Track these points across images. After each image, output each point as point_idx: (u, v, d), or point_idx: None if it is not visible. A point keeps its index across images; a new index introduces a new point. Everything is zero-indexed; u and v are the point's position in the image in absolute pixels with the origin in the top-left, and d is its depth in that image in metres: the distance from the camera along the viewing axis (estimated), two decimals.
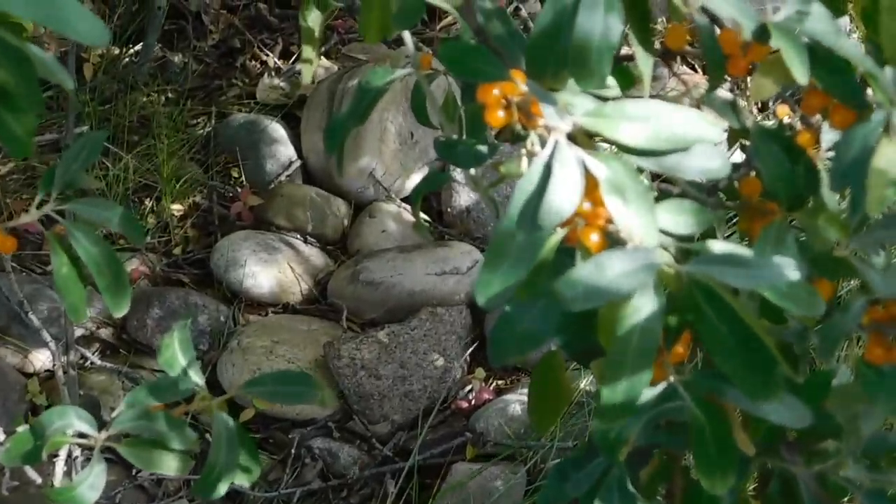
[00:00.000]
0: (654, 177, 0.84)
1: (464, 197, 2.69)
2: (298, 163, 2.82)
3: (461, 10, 0.78)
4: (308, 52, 0.89)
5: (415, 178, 2.74)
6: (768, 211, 0.81)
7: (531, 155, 0.73)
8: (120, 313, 0.93)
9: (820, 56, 0.76)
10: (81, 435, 0.94)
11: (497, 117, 0.73)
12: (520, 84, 0.72)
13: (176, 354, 0.94)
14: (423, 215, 2.69)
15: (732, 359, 0.71)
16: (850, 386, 0.83)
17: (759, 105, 2.78)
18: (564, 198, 0.69)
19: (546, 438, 2.19)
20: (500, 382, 2.44)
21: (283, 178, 2.79)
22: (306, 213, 2.67)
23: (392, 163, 2.72)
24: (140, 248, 2.54)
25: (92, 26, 0.60)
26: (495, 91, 0.73)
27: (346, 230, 2.72)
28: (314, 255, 2.65)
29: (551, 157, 0.70)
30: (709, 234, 0.89)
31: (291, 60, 3.06)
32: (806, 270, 0.74)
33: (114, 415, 0.91)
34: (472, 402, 2.37)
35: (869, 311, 0.79)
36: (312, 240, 2.69)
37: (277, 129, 2.84)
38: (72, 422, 0.93)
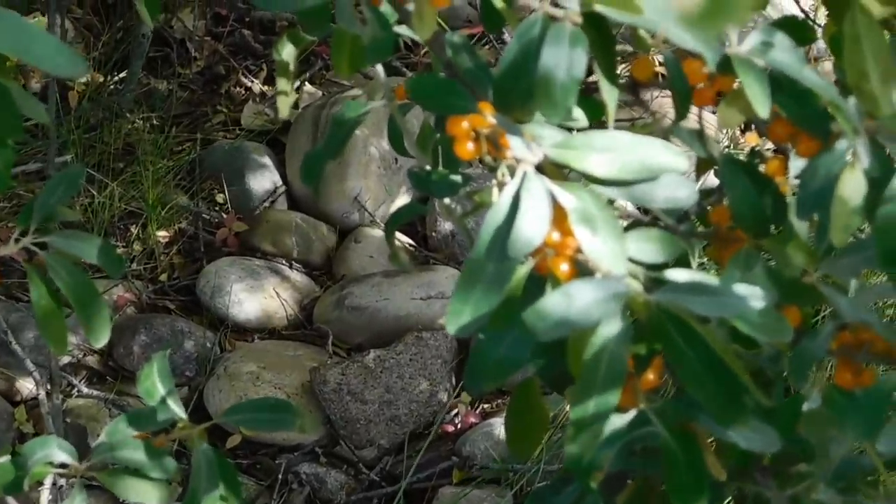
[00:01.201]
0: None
1: (448, 221, 2.70)
2: (283, 188, 2.82)
3: (431, 43, 0.79)
4: (283, 84, 0.90)
5: (399, 203, 2.75)
6: (737, 238, 0.82)
7: (502, 185, 0.74)
8: (99, 344, 0.94)
9: (785, 86, 0.77)
10: (63, 465, 0.95)
11: (466, 150, 0.74)
12: (488, 116, 0.73)
13: (155, 384, 0.94)
14: (407, 239, 2.70)
15: (702, 385, 0.72)
16: (820, 410, 0.84)
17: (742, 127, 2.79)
18: (533, 229, 0.70)
19: (532, 461, 2.20)
20: (486, 406, 2.45)
21: (268, 203, 2.80)
22: (292, 238, 2.68)
23: (377, 188, 2.73)
24: (118, 280, 2.53)
25: (68, 59, 0.61)
26: (464, 124, 0.74)
27: (332, 255, 2.73)
28: (300, 280, 2.65)
29: (519, 188, 0.71)
30: (683, 260, 0.90)
31: (275, 85, 3.07)
32: (775, 297, 0.75)
33: (94, 445, 0.92)
34: (459, 425, 2.38)
35: (838, 337, 0.80)
36: (298, 265, 2.70)
37: (262, 155, 2.85)
38: (53, 452, 0.94)
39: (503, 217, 0.71)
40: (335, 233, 2.75)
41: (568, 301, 0.68)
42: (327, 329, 2.52)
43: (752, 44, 0.78)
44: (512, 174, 0.73)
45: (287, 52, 0.88)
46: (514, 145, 0.72)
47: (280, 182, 2.83)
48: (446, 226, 2.69)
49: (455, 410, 2.40)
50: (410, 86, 0.75)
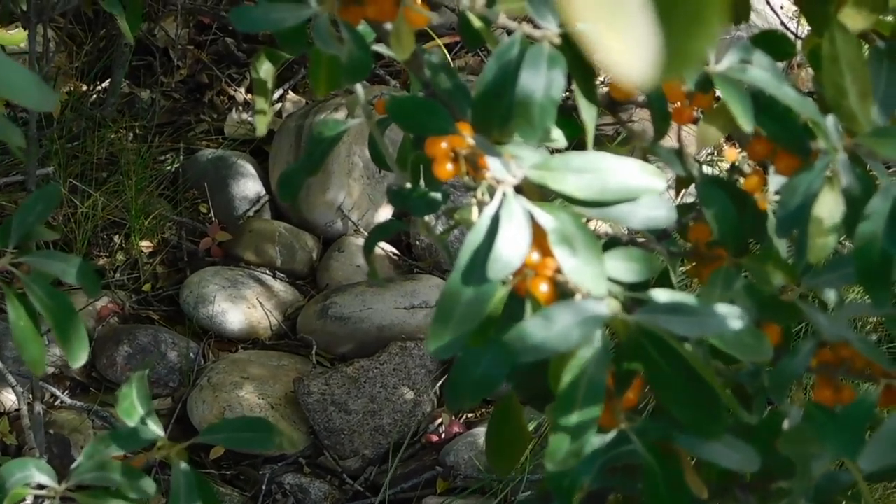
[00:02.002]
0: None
1: (438, 227, 2.70)
2: (267, 198, 2.82)
3: (409, 63, 0.79)
4: (261, 103, 0.90)
5: (383, 212, 2.75)
6: (717, 256, 0.82)
7: (481, 204, 0.74)
8: (77, 364, 0.94)
9: (763, 103, 0.77)
10: (41, 486, 0.95)
11: (445, 170, 0.74)
12: (467, 137, 0.73)
13: (134, 403, 0.94)
14: (391, 248, 2.70)
15: (681, 402, 0.72)
16: (801, 427, 0.84)
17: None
18: (512, 250, 0.70)
19: (516, 471, 2.19)
20: (469, 416, 2.45)
21: (251, 213, 2.79)
22: (275, 248, 2.68)
23: (360, 197, 2.73)
24: (94, 299, 2.52)
25: (42, 94, 0.61)
26: (443, 144, 0.74)
27: (316, 265, 2.72)
28: (283, 290, 2.65)
29: (499, 209, 0.71)
30: (664, 277, 0.90)
31: None
32: (754, 315, 0.75)
33: (73, 466, 0.92)
34: (443, 435, 2.37)
35: (818, 354, 0.80)
36: (282, 275, 2.69)
37: (246, 165, 2.85)
38: (31, 473, 0.93)
39: (482, 238, 0.71)
40: (319, 242, 2.74)
41: (547, 324, 0.68)
42: (311, 339, 2.51)
43: (730, 62, 0.78)
44: (491, 194, 0.73)
45: (265, 69, 0.88)
46: (493, 166, 0.72)
47: (263, 191, 2.83)
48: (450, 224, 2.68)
49: (439, 420, 2.40)
50: (389, 106, 0.75)
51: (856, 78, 0.76)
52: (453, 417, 2.41)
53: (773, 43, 0.98)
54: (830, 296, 0.85)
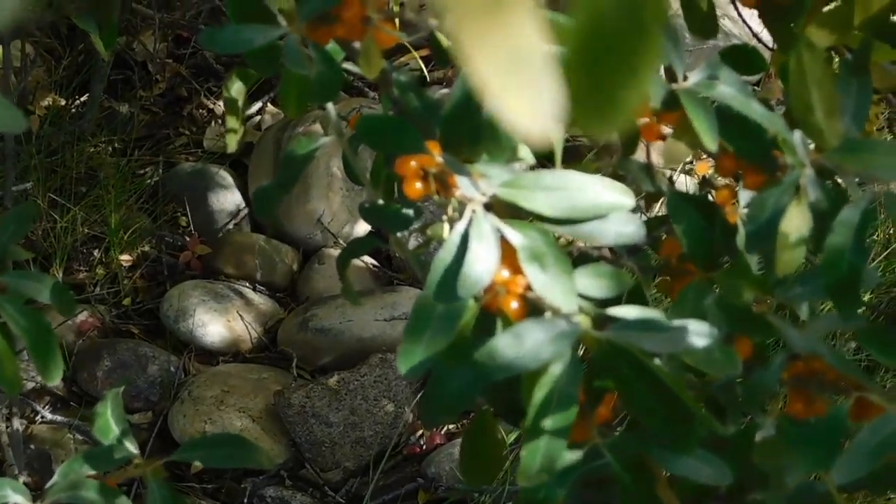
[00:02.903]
0: None
1: (412, 241, 2.70)
2: (246, 210, 2.82)
3: (379, 82, 0.79)
4: (232, 122, 0.90)
5: (362, 225, 2.74)
6: (687, 271, 0.82)
7: (452, 221, 0.74)
8: (52, 382, 0.94)
9: (730, 120, 0.78)
10: None
11: (415, 189, 0.75)
12: (436, 156, 0.74)
13: (109, 422, 0.94)
14: (371, 260, 2.70)
15: (653, 417, 0.73)
16: (775, 439, 0.85)
17: None
18: (481, 269, 0.71)
19: (497, 482, 2.20)
20: (451, 427, 2.45)
21: (231, 226, 2.79)
22: (255, 260, 2.68)
23: (339, 209, 2.73)
24: (70, 318, 2.51)
25: (11, 116, 0.61)
26: (413, 163, 0.74)
27: (296, 277, 2.72)
28: (263, 302, 2.65)
29: (468, 228, 0.71)
30: (638, 292, 0.91)
31: None
32: (724, 330, 0.76)
33: (47, 486, 0.92)
34: (424, 447, 2.37)
35: (790, 367, 0.81)
36: (262, 287, 2.69)
37: (225, 177, 2.84)
38: (6, 493, 0.93)
39: (452, 257, 0.71)
40: (299, 254, 2.74)
41: (517, 342, 0.68)
42: (292, 351, 2.51)
43: (697, 78, 0.78)
44: (462, 211, 0.73)
45: (236, 89, 0.88)
46: (462, 185, 0.72)
47: (243, 204, 2.82)
48: (410, 246, 2.68)
49: (420, 431, 2.40)
50: (359, 125, 0.76)
51: (822, 94, 0.76)
52: (435, 429, 2.41)
53: (743, 57, 0.99)
54: (804, 308, 0.86)
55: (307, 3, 0.77)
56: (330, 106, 0.84)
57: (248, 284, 2.68)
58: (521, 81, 0.28)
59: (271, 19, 0.78)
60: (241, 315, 2.56)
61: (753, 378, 0.80)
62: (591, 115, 0.32)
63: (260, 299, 2.64)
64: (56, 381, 0.95)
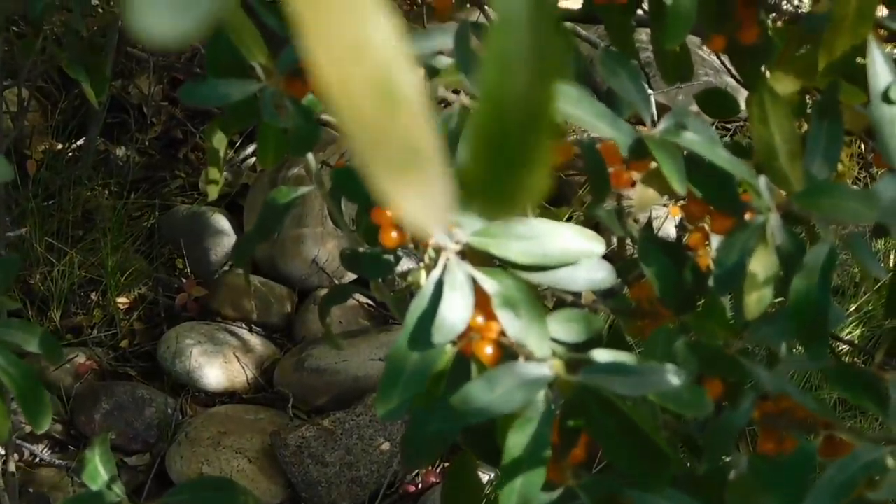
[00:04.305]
0: None
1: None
2: None
3: None
4: (213, 172, 0.92)
5: None
6: (659, 314, 0.84)
7: (429, 268, 0.76)
8: (41, 430, 0.95)
9: (697, 165, 0.80)
10: None
11: (391, 238, 0.76)
12: None
13: (97, 468, 0.95)
14: (365, 299, 2.71)
15: (625, 457, 0.74)
16: (746, 477, 0.86)
17: None
18: (456, 316, 0.73)
19: None
20: (446, 465, 2.45)
21: (227, 267, 2.80)
22: (251, 302, 2.69)
23: (334, 249, 2.75)
24: (59, 366, 2.53)
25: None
26: (388, 213, 0.76)
27: (292, 318, 2.74)
28: (260, 343, 2.66)
29: (442, 276, 0.73)
30: (617, 334, 0.92)
31: (234, 148, 3.09)
32: (694, 372, 0.78)
33: None
34: (420, 485, 2.38)
35: (760, 406, 0.82)
36: (258, 328, 2.70)
37: (221, 219, 2.87)
38: None
39: (426, 304, 0.73)
40: (294, 295, 2.76)
41: (490, 387, 0.70)
42: (288, 392, 2.52)
43: (665, 125, 0.80)
44: (437, 258, 0.75)
45: (217, 139, 0.90)
46: (436, 234, 0.74)
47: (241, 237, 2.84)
48: (403, 286, 2.70)
49: (416, 471, 2.41)
50: (334, 177, 0.78)
51: (785, 139, 0.78)
52: (430, 467, 2.42)
53: (717, 100, 1.01)
54: (781, 348, 0.88)
55: (284, 58, 0.79)
56: (310, 156, 0.86)
57: (244, 325, 2.69)
58: (414, 178, 0.30)
59: (249, 72, 0.80)
60: (237, 356, 2.58)
61: (724, 417, 0.82)
62: (487, 203, 0.33)
63: (256, 340, 2.66)
64: (44, 429, 0.96)
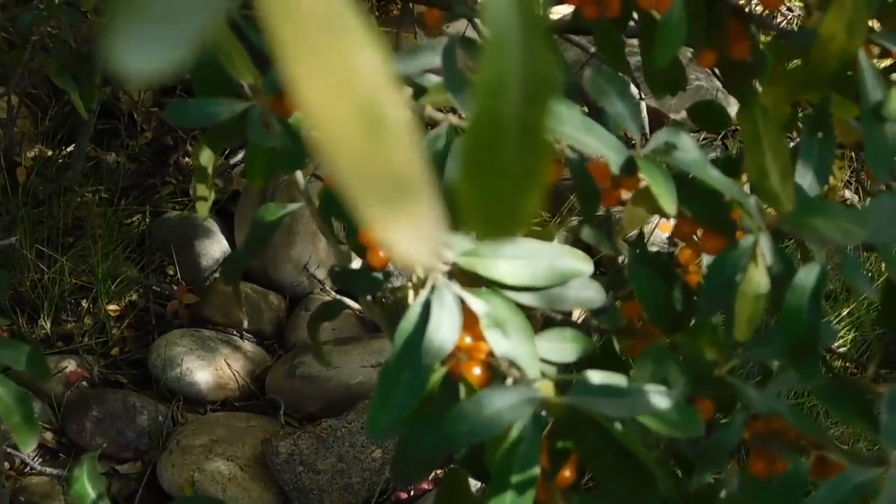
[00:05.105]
0: None
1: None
2: None
3: None
4: (202, 189, 0.91)
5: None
6: (649, 333, 0.84)
7: (417, 287, 0.75)
8: (28, 449, 0.95)
9: (688, 185, 0.79)
10: None
11: (378, 258, 0.76)
12: None
13: (85, 486, 0.95)
14: (358, 306, 2.71)
15: (614, 477, 0.74)
16: (736, 497, 0.86)
17: None
18: (444, 337, 0.72)
19: None
20: (438, 472, 2.45)
21: (218, 274, 2.79)
22: (242, 308, 2.68)
23: (326, 256, 2.74)
24: (46, 380, 2.52)
25: None
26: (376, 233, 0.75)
27: (283, 324, 2.73)
28: (251, 350, 2.65)
29: (430, 296, 0.73)
30: (609, 351, 0.92)
31: (224, 155, 3.08)
32: (685, 393, 0.77)
33: None
34: (412, 492, 2.38)
35: (751, 426, 0.82)
36: (249, 335, 2.70)
37: (212, 226, 2.86)
38: None
39: (414, 325, 0.72)
40: (286, 301, 2.76)
41: (478, 409, 0.70)
42: (279, 399, 2.52)
43: (655, 144, 0.80)
44: (425, 278, 0.75)
45: (205, 157, 0.90)
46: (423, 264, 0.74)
47: (230, 252, 2.83)
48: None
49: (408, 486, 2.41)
50: (322, 198, 0.77)
51: (776, 158, 0.78)
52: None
53: (709, 113, 1.01)
54: (774, 364, 0.87)
55: (271, 77, 0.79)
56: (298, 174, 0.85)
57: (235, 332, 2.68)
58: (401, 209, 0.29)
59: (237, 90, 0.79)
60: (228, 363, 2.57)
61: (715, 437, 0.81)
62: (486, 225, 0.33)
63: (247, 347, 2.65)
64: (31, 447, 0.96)
